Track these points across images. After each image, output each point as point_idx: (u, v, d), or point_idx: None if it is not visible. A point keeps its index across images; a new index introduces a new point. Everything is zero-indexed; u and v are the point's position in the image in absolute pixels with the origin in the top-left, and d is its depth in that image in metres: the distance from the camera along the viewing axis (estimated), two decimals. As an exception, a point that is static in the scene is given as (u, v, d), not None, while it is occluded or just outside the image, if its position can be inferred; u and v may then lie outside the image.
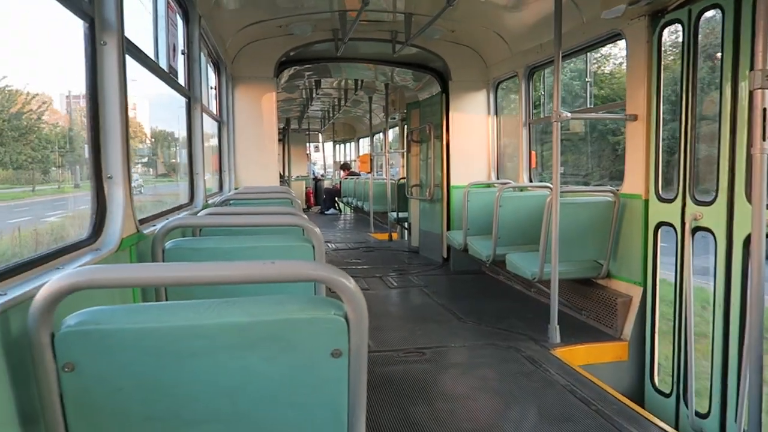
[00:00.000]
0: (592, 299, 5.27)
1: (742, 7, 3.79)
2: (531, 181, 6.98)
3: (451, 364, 4.38)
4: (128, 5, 2.57)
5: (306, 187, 20.12)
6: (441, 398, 3.72)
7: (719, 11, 3.99)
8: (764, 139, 3.09)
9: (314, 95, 13.25)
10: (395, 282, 7.26)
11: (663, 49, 4.65)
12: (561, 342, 4.66)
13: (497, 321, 5.39)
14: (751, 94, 3.35)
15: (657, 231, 4.66)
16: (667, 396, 4.50)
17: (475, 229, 6.57)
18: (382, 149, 15.43)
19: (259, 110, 7.25)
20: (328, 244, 10.63)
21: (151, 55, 3.45)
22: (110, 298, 2.16)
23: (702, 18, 4.23)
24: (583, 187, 7.61)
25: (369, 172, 13.74)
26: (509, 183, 6.79)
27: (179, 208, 4.23)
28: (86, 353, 1.31)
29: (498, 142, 7.92)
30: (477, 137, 7.92)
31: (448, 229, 8.05)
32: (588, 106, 7.46)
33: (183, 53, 4.46)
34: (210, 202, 4.86)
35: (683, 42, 4.32)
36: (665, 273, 4.71)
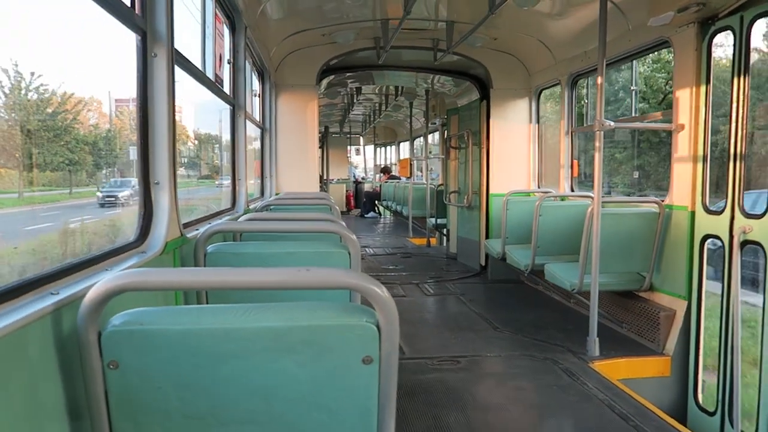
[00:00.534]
0: (633, 312, 5.14)
1: None
2: (573, 190, 6.87)
3: (486, 373, 4.35)
4: (178, 17, 2.68)
5: (346, 190, 20.28)
6: (475, 408, 3.70)
7: None
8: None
9: (355, 100, 13.39)
10: (432, 289, 7.25)
11: (712, 57, 4.53)
12: (600, 355, 4.57)
13: (534, 332, 5.32)
14: None
15: (703, 244, 4.53)
16: (712, 414, 4.36)
17: (513, 238, 6.51)
18: (422, 153, 15.43)
19: (300, 117, 7.38)
20: (366, 249, 10.69)
21: (198, 64, 3.57)
22: (154, 299, 2.25)
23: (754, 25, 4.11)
24: (626, 198, 7.45)
25: (408, 177, 13.77)
26: (550, 192, 6.70)
27: (222, 212, 4.35)
28: (129, 352, 1.38)
29: (539, 151, 7.83)
30: (518, 145, 7.84)
31: (487, 237, 8.00)
32: (633, 114, 7.30)
33: (229, 62, 4.60)
34: (251, 207, 4.97)
35: (734, 50, 4.19)
36: (711, 287, 4.56)
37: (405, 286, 7.35)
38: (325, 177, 17.88)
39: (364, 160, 26.22)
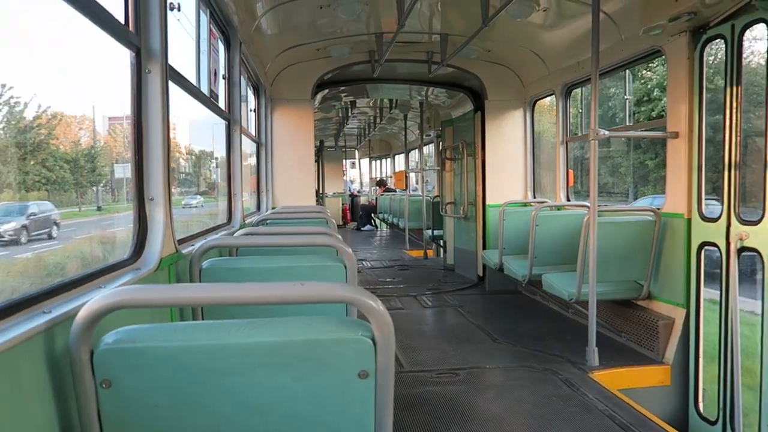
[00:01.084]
0: (632, 321, 5.13)
1: None
2: (569, 199, 6.88)
3: (485, 385, 4.32)
4: (172, 34, 2.69)
5: (342, 204, 20.30)
6: (474, 420, 3.67)
7: (764, 26, 3.89)
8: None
9: (350, 114, 13.44)
10: (429, 301, 7.23)
11: (705, 65, 4.56)
12: (600, 365, 4.55)
13: (533, 342, 5.30)
14: None
15: (700, 251, 4.53)
16: (713, 423, 4.33)
17: (511, 248, 6.50)
18: (417, 166, 15.46)
19: (296, 131, 7.40)
20: (363, 262, 10.67)
21: (193, 80, 3.58)
22: (149, 316, 2.23)
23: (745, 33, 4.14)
24: (622, 206, 7.46)
25: (404, 189, 13.80)
26: (546, 202, 6.71)
27: (218, 227, 4.34)
28: (123, 370, 1.36)
29: (534, 161, 7.85)
30: (513, 155, 7.87)
31: (484, 247, 7.99)
32: (627, 123, 7.34)
33: (224, 78, 4.61)
34: (248, 221, 4.96)
35: (726, 58, 4.22)
36: (709, 294, 4.55)
37: (402, 299, 7.32)
38: (321, 191, 17.90)
39: (360, 173, 26.28)
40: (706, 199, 4.58)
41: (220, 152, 4.80)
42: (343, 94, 9.99)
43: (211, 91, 4.07)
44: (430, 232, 11.52)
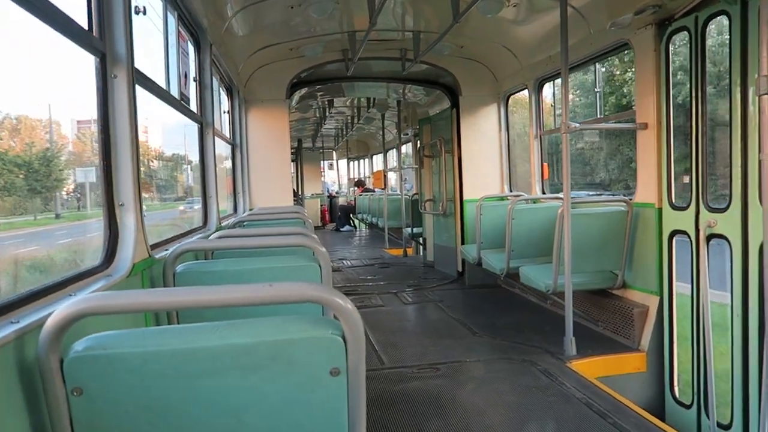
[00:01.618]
0: (608, 310, 5.22)
1: (748, 14, 3.78)
2: (544, 192, 6.97)
3: (466, 379, 4.36)
4: (139, 37, 2.67)
5: (321, 205, 20.25)
6: (456, 414, 3.70)
7: (726, 18, 3.98)
8: (773, 145, 3.07)
9: (327, 114, 13.41)
10: (410, 297, 7.26)
11: (671, 57, 4.65)
12: (577, 354, 4.62)
13: (512, 334, 5.36)
14: (759, 99, 3.35)
15: (672, 239, 4.63)
16: (688, 407, 4.43)
17: (488, 242, 6.56)
18: (396, 165, 15.49)
19: (271, 132, 7.37)
20: (344, 262, 10.67)
21: (162, 83, 3.55)
22: (123, 323, 2.22)
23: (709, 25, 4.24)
24: (596, 198, 7.57)
25: (383, 188, 13.82)
26: (522, 195, 6.78)
27: (193, 231, 4.31)
28: (93, 378, 1.36)
29: (510, 155, 7.93)
30: (489, 150, 7.94)
31: (463, 243, 8.05)
32: (598, 116, 7.45)
33: (195, 80, 4.58)
34: (224, 224, 4.93)
35: (690, 49, 4.32)
36: (682, 282, 4.66)
37: (383, 296, 7.35)
38: (300, 192, 17.83)
39: (338, 175, 26.25)
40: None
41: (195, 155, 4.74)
42: (319, 94, 9.97)
43: (181, 93, 4.04)
44: (409, 230, 11.56)
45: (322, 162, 23.39)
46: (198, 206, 4.85)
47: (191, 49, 4.60)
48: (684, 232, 4.46)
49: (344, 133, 17.58)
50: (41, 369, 1.33)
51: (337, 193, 23.26)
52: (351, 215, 19.24)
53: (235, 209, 6.64)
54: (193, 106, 4.52)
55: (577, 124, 4.77)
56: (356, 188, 19.48)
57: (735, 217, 3.95)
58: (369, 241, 14.82)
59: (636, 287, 5.01)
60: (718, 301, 4.59)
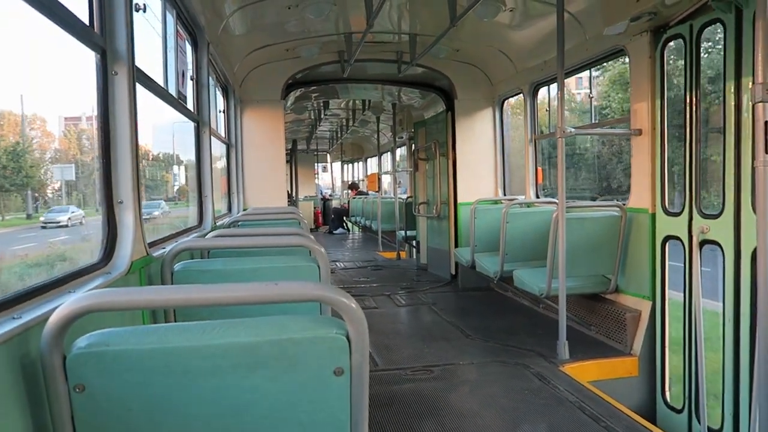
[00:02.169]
0: (600, 314, 5.25)
1: (742, 21, 3.83)
2: (538, 197, 7.00)
3: (459, 381, 4.37)
4: (139, 35, 2.66)
5: (314, 207, 20.23)
6: (449, 416, 3.71)
7: (720, 26, 4.03)
8: (766, 152, 3.11)
9: (322, 116, 13.41)
10: (404, 300, 7.27)
11: (666, 63, 4.70)
12: (570, 358, 4.65)
13: (506, 338, 5.38)
14: (753, 107, 3.38)
15: (664, 245, 4.66)
16: (679, 412, 4.46)
17: (482, 245, 6.58)
18: (390, 168, 15.52)
19: (267, 132, 7.36)
20: (337, 264, 10.66)
21: (160, 81, 3.54)
22: (120, 320, 2.21)
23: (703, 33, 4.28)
24: (590, 202, 7.62)
25: (377, 191, 13.83)
26: (516, 199, 6.81)
27: (189, 230, 4.29)
28: (96, 374, 1.35)
29: (504, 159, 7.97)
30: (483, 154, 7.97)
31: (456, 246, 8.07)
32: (592, 121, 7.50)
33: (192, 79, 4.57)
34: (219, 223, 4.92)
35: (685, 56, 4.36)
36: (674, 286, 4.69)
37: (376, 298, 7.35)
38: (294, 194, 17.80)
39: (332, 177, 26.24)
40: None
41: (187, 155, 4.71)
42: (314, 95, 9.97)
43: (179, 92, 4.03)
44: (403, 233, 11.57)
45: (316, 164, 23.35)
46: (157, 212, 4.72)
47: (189, 48, 4.59)
48: (677, 238, 4.50)
49: (339, 135, 17.57)
50: (44, 365, 1.33)
51: (330, 195, 23.24)
52: (344, 218, 19.22)
53: (230, 209, 6.62)
54: (190, 105, 4.51)
55: (572, 129, 4.81)
56: (350, 191, 19.47)
57: (728, 223, 3.99)
58: (362, 244, 14.81)
59: (629, 292, 5.05)
60: (709, 306, 4.63)
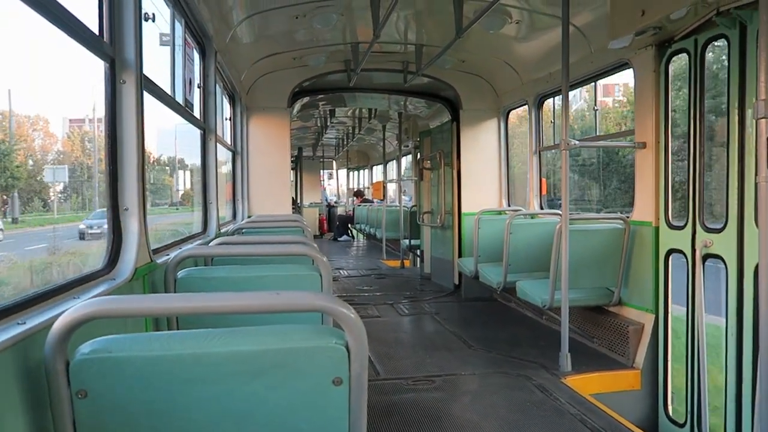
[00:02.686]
0: (603, 327, 5.24)
1: (747, 37, 3.84)
2: (542, 208, 7.01)
3: (461, 392, 4.37)
4: (146, 43, 2.70)
5: (319, 214, 20.27)
6: (450, 427, 3.71)
7: (725, 41, 4.04)
8: (770, 168, 3.12)
9: (329, 123, 13.47)
10: (406, 309, 7.27)
11: (670, 78, 4.71)
12: (572, 370, 4.63)
13: (508, 349, 5.37)
14: (756, 122, 3.39)
15: (668, 258, 4.66)
16: (681, 426, 4.44)
17: (486, 256, 6.58)
18: (396, 176, 15.55)
19: (272, 140, 7.41)
20: (341, 271, 10.67)
21: (168, 89, 3.59)
22: (123, 326, 2.23)
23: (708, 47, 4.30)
24: (593, 214, 7.62)
25: (382, 200, 13.86)
26: (520, 210, 6.82)
27: (193, 236, 4.32)
28: (99, 380, 1.37)
29: (509, 170, 7.98)
30: (488, 164, 7.99)
31: (460, 255, 8.07)
32: (597, 134, 7.51)
33: (199, 87, 4.61)
34: (223, 230, 4.95)
35: (690, 71, 4.37)
36: (677, 300, 4.68)
37: (379, 307, 7.35)
38: (299, 201, 17.85)
39: (337, 184, 26.31)
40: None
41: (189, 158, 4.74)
42: (321, 103, 10.04)
43: (186, 100, 4.08)
44: (407, 241, 11.58)
45: (321, 171, 23.43)
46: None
47: (196, 56, 4.64)
48: (680, 251, 4.49)
49: (345, 143, 17.63)
50: (47, 370, 1.35)
51: (335, 202, 23.29)
52: (349, 225, 19.25)
53: (234, 216, 6.66)
54: (197, 113, 4.55)
55: (577, 141, 4.82)
56: (355, 198, 19.52)
57: (731, 237, 3.99)
58: (366, 252, 14.82)
59: (632, 305, 5.04)
60: (713, 321, 4.61)
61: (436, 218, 8.95)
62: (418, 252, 10.82)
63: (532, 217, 6.69)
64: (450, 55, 6.51)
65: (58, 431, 1.39)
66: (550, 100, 7.18)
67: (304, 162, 19.19)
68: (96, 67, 2.48)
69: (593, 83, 6.53)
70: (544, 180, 7.12)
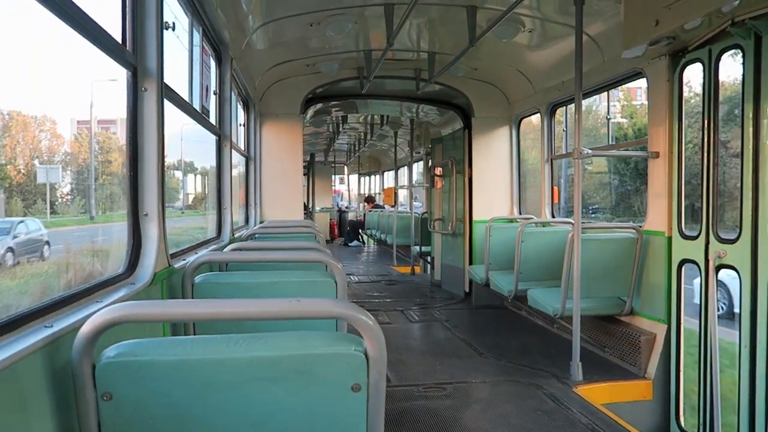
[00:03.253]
0: (615, 336, 5.22)
1: (762, 47, 3.84)
2: (553, 216, 7.00)
3: (471, 400, 4.37)
4: (166, 52, 2.75)
5: (330, 219, 20.33)
6: None
7: (740, 51, 4.04)
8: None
9: (341, 129, 13.54)
10: (417, 316, 7.27)
11: (684, 87, 4.71)
12: (583, 379, 4.62)
13: (519, 357, 5.36)
14: None
15: (681, 268, 4.64)
16: (694, 437, 4.41)
17: (497, 263, 6.58)
18: (407, 183, 15.58)
19: (285, 146, 7.47)
20: (351, 277, 10.70)
21: (185, 96, 3.64)
22: (141, 330, 2.27)
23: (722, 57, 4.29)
24: (606, 223, 7.59)
25: (393, 206, 13.89)
26: (531, 218, 6.82)
27: (208, 241, 4.37)
28: (123, 383, 1.40)
29: (520, 177, 7.98)
30: (499, 172, 7.99)
31: (471, 263, 8.07)
32: (609, 143, 7.50)
33: (215, 93, 4.67)
34: (237, 235, 4.99)
35: (704, 81, 4.37)
36: (690, 311, 4.66)
37: (390, 313, 7.36)
38: (311, 206, 17.92)
39: (348, 189, 26.39)
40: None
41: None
42: (333, 109, 10.10)
43: (202, 106, 4.13)
44: (417, 248, 11.58)
45: (333, 176, 23.51)
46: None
47: (213, 63, 4.70)
48: (693, 262, 4.48)
49: (357, 148, 17.69)
50: (74, 373, 1.38)
51: (347, 208, 23.34)
52: (360, 231, 19.29)
53: (247, 221, 6.71)
54: (212, 119, 4.61)
55: (589, 150, 4.83)
56: (366, 204, 19.56)
57: (745, 248, 3.97)
58: (377, 258, 14.84)
59: (644, 314, 5.02)
60: (725, 331, 4.59)
61: (447, 225, 8.96)
62: (429, 259, 10.82)
63: (543, 226, 6.68)
64: (462, 62, 6.54)
65: None
66: (562, 108, 7.19)
67: (316, 167, 19.27)
68: (96, 66, 2.51)
69: (607, 92, 6.53)
70: (555, 188, 7.11)
